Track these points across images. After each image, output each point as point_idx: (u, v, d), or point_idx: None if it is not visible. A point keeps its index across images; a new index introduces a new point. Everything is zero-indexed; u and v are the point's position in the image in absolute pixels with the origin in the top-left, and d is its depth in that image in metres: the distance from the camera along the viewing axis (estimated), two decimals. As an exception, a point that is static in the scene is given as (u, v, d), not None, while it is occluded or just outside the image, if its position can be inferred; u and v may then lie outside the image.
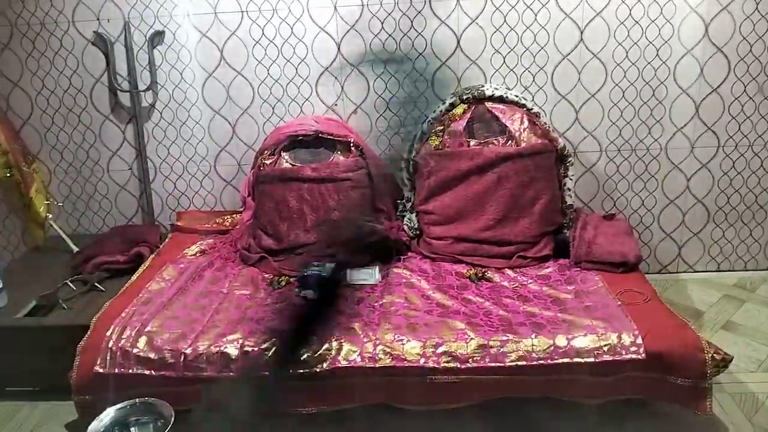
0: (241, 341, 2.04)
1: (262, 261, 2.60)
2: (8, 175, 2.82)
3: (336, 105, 2.88)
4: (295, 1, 2.72)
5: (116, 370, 2.01)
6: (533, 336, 1.99)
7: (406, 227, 2.71)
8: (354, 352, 1.99)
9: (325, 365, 1.97)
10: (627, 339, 1.94)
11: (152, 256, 2.67)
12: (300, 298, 2.29)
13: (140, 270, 2.54)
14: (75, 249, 2.79)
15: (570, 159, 2.64)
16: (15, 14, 2.79)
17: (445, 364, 1.95)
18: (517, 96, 2.64)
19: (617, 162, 2.90)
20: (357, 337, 2.04)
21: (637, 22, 2.67)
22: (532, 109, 2.63)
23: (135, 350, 2.03)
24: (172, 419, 1.84)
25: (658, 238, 3.02)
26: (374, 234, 2.52)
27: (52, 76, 2.89)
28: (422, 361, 1.96)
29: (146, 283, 2.41)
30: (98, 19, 2.79)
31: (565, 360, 1.93)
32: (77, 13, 2.78)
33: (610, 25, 2.68)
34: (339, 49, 2.78)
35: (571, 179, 2.66)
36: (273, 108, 2.90)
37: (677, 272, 3.07)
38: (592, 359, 1.93)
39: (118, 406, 1.93)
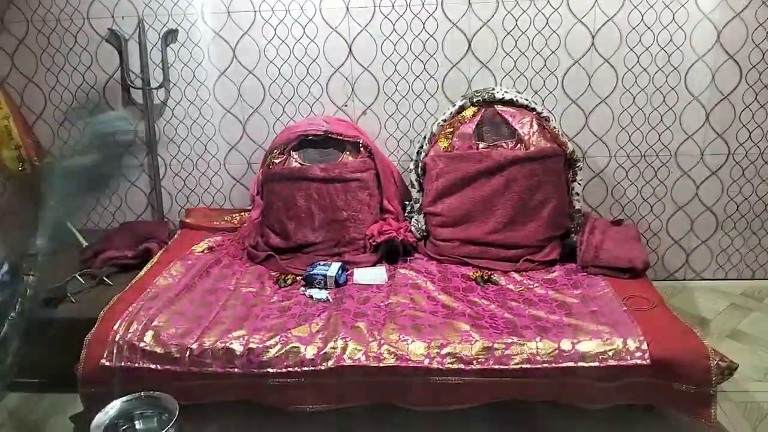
0: (246, 338, 2.05)
1: (269, 259, 2.62)
2: (20, 169, 2.85)
3: (346, 105, 2.89)
4: (308, 2, 2.74)
5: (122, 364, 2.03)
6: (538, 339, 1.98)
7: (413, 228, 2.71)
8: (359, 351, 1.99)
9: (329, 363, 1.98)
10: (632, 344, 1.94)
11: (160, 252, 2.69)
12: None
13: (148, 265, 2.56)
14: (84, 244, 2.81)
15: (579, 163, 2.64)
16: (31, 10, 2.82)
17: (450, 365, 1.95)
18: (527, 100, 2.65)
19: (626, 167, 2.89)
20: (362, 336, 2.04)
21: (648, 28, 2.67)
22: (541, 113, 2.63)
23: (141, 344, 2.04)
24: (177, 413, 1.85)
25: (666, 244, 3.01)
26: None
27: (66, 72, 2.92)
28: (426, 361, 1.96)
29: (154, 278, 2.42)
30: (113, 16, 2.82)
31: (570, 364, 1.93)
32: (92, 10, 2.81)
33: (622, 31, 2.68)
34: (350, 50, 2.79)
35: (579, 184, 2.66)
36: (283, 107, 2.91)
37: (684, 279, 3.06)
38: (596, 364, 1.92)
39: (124, 399, 1.94)
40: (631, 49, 2.71)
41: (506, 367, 1.94)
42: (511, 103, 2.64)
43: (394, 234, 2.60)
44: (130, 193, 3.11)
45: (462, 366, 1.95)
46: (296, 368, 1.99)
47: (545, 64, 2.76)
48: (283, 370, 1.99)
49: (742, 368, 2.02)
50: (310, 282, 2.41)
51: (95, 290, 2.46)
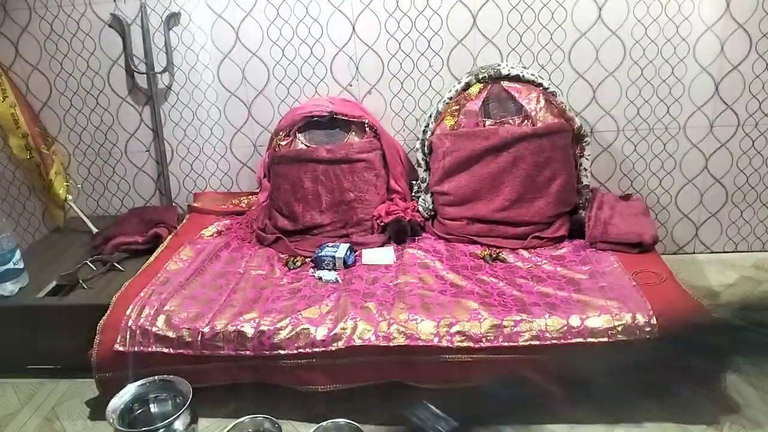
0: (257, 320, 2.07)
1: (277, 241, 2.63)
2: (29, 157, 2.86)
3: (351, 86, 2.87)
4: (310, -19, 2.71)
5: (135, 349, 2.05)
6: (547, 316, 1.99)
7: (421, 208, 2.71)
8: (369, 331, 2.01)
9: (340, 344, 1.99)
10: (641, 319, 1.94)
11: (170, 236, 2.70)
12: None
13: (158, 250, 2.58)
14: (94, 230, 2.83)
15: (587, 138, 2.62)
16: (33, -3, 2.81)
17: (459, 344, 1.97)
18: (533, 75, 2.62)
19: (635, 141, 2.87)
20: (372, 316, 2.05)
21: (656, -1, 2.63)
22: (548, 88, 2.61)
23: (154, 329, 2.07)
24: (190, 396, 1.88)
25: (675, 218, 2.99)
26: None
27: (70, 58, 2.91)
28: (436, 340, 1.97)
29: (164, 263, 2.44)
30: (114, 0, 2.80)
31: (579, 340, 1.94)
32: (94, -5, 2.80)
33: (629, 2, 2.64)
34: (354, 28, 2.77)
35: (587, 159, 2.64)
36: (288, 89, 2.90)
37: (694, 253, 3.04)
38: (606, 339, 1.93)
39: (138, 383, 1.97)
40: (639, 21, 2.66)
41: (515, 344, 1.95)
42: (517, 78, 2.62)
43: (402, 214, 2.60)
44: (137, 179, 3.12)
45: (471, 344, 1.96)
46: (307, 349, 2.01)
47: (551, 38, 2.73)
48: (294, 351, 2.01)
49: (752, 341, 2.03)
50: (318, 263, 2.42)
51: (106, 276, 2.48)
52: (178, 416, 1.82)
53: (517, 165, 2.55)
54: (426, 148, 2.73)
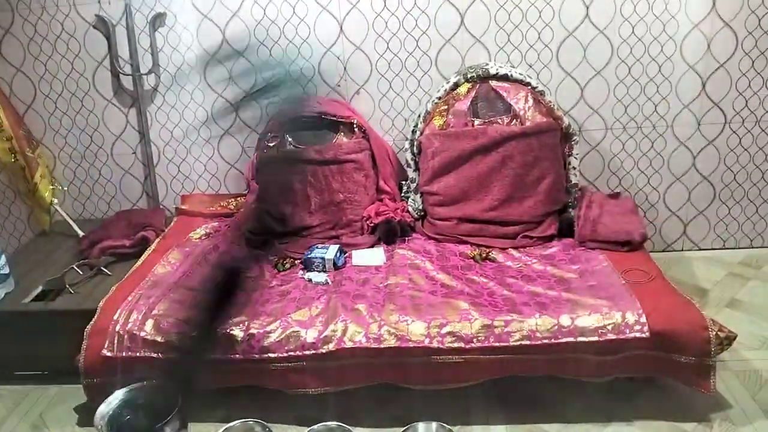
0: (246, 323, 2.05)
1: (266, 243, 2.61)
2: (13, 161, 2.83)
3: (339, 86, 2.86)
4: (296, -19, 2.70)
5: (124, 354, 2.03)
6: (537, 315, 1.99)
7: (410, 208, 2.70)
8: (359, 333, 2.00)
9: (330, 346, 1.98)
10: (631, 318, 1.94)
11: (157, 239, 2.68)
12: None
13: (146, 254, 2.55)
14: (81, 234, 2.80)
15: (575, 137, 2.63)
16: (16, -2, 2.78)
17: (450, 344, 1.96)
18: (521, 74, 2.62)
19: (623, 140, 2.87)
20: (362, 317, 2.04)
21: (643, -3, 2.64)
22: (536, 87, 2.61)
23: (142, 333, 2.05)
24: (180, 401, 1.86)
25: (663, 216, 3.00)
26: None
27: (54, 60, 2.88)
28: (427, 341, 1.97)
29: (152, 266, 2.42)
30: (99, 1, 2.77)
31: (569, 339, 1.94)
32: (78, -4, 2.77)
33: (617, 1, 2.64)
34: (341, 28, 2.75)
35: (576, 158, 2.64)
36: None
37: (682, 250, 3.05)
38: (596, 338, 1.93)
39: (127, 388, 1.95)
40: (626, 19, 2.67)
41: (506, 344, 1.95)
42: (505, 78, 2.62)
43: (391, 215, 2.59)
44: (124, 181, 3.09)
45: (462, 344, 1.96)
46: (297, 352, 2.00)
47: (539, 37, 2.73)
48: (285, 354, 2.00)
49: (741, 337, 2.04)
50: (308, 265, 2.40)
51: (94, 280, 2.46)
52: (168, 422, 1.80)
53: (506, 164, 2.55)
54: (415, 148, 2.72)
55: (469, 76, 2.63)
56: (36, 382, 2.37)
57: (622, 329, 1.93)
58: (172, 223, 2.86)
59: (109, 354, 2.03)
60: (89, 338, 2.08)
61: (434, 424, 1.91)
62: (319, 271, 2.38)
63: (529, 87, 2.61)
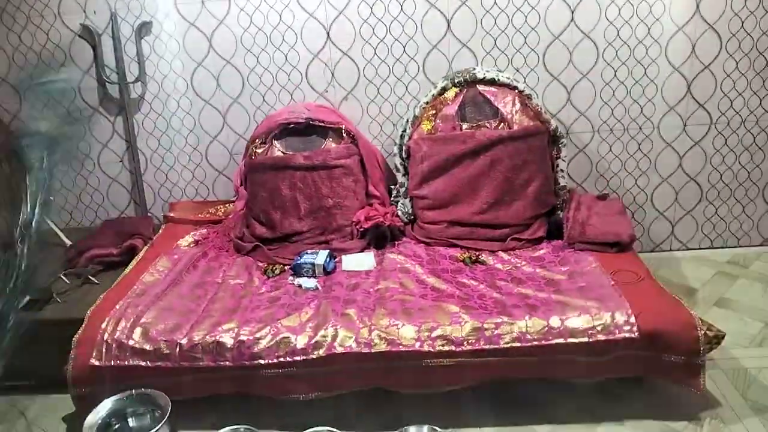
0: (236, 330, 2.04)
1: (256, 250, 2.60)
2: (-2, 170, 2.80)
3: (327, 92, 2.86)
4: (283, -12, 2.70)
5: (112, 363, 2.01)
6: (527, 317, 1.99)
7: (400, 212, 2.70)
8: (350, 338, 1.99)
9: (321, 352, 1.97)
10: (620, 318, 1.95)
11: (146, 247, 2.66)
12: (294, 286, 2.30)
13: (134, 262, 2.53)
14: (68, 242, 2.77)
15: (563, 140, 2.64)
16: (0, 8, 2.76)
17: (441, 348, 1.96)
18: (508, 78, 2.63)
19: (610, 142, 2.89)
20: (352, 322, 2.04)
21: (628, 0, 2.65)
22: (523, 90, 2.62)
23: (130, 342, 2.03)
24: (169, 409, 1.85)
25: (651, 216, 3.02)
26: None
27: (40, 69, 2.86)
28: (417, 345, 1.96)
29: (140, 275, 2.40)
30: (84, 10, 2.76)
31: (560, 341, 1.94)
32: (63, 6, 2.75)
33: (601, 4, 2.66)
34: (328, 35, 2.76)
35: (564, 160, 2.66)
36: (263, 96, 2.88)
37: (671, 250, 3.07)
38: (586, 339, 1.93)
39: (115, 397, 1.94)
40: (611, 23, 2.69)
41: (497, 346, 1.95)
42: (492, 82, 2.63)
43: (381, 219, 2.59)
44: (112, 189, 3.07)
45: (453, 348, 1.96)
46: (288, 358, 1.99)
47: (525, 41, 2.74)
48: (275, 360, 1.99)
49: (730, 335, 2.06)
50: (298, 271, 2.40)
51: (81, 289, 2.43)
52: (157, 430, 1.79)
53: (494, 168, 2.55)
54: (404, 153, 2.72)
55: (456, 80, 2.64)
56: (23, 393, 2.34)
57: (612, 330, 1.94)
58: (160, 231, 2.84)
59: (97, 363, 2.01)
60: (77, 347, 2.05)
61: (425, 428, 1.90)
62: (309, 277, 2.37)
63: (516, 91, 2.62)
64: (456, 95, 2.66)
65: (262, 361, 1.99)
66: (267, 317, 2.11)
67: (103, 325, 2.08)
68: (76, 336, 2.08)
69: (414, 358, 1.97)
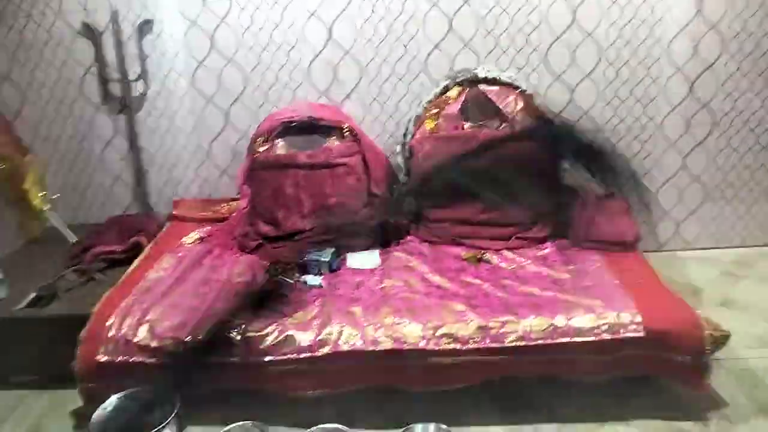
0: (243, 327, 2.03)
1: (260, 248, 2.60)
2: (1, 167, 2.80)
3: (329, 90, 2.86)
4: (285, -14, 2.70)
5: (119, 359, 2.01)
6: (532, 316, 1.99)
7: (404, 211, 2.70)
8: (355, 335, 1.99)
9: (326, 349, 1.98)
10: (626, 317, 1.95)
11: (150, 245, 2.66)
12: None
13: (139, 259, 2.53)
14: (73, 240, 2.78)
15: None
16: (1, 6, 2.75)
17: (446, 346, 1.96)
18: (510, 77, 2.64)
19: (613, 142, 2.88)
20: (358, 320, 2.04)
21: (630, 0, 2.66)
22: (525, 90, 2.63)
23: (136, 339, 2.03)
24: (177, 405, 1.85)
25: (656, 216, 3.02)
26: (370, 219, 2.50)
27: (42, 68, 2.85)
28: (423, 343, 1.96)
29: (145, 272, 2.40)
30: (85, 9, 2.75)
31: (565, 339, 1.95)
32: (64, 4, 2.74)
33: (603, 4, 2.67)
34: (330, 33, 2.76)
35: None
36: (266, 95, 2.87)
37: (675, 250, 3.07)
38: (591, 338, 1.94)
39: (122, 393, 1.94)
40: (613, 23, 2.69)
41: (502, 345, 1.96)
42: (494, 81, 2.64)
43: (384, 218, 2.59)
44: (115, 187, 3.06)
45: (458, 346, 1.96)
46: (293, 355, 1.99)
47: (527, 41, 2.74)
48: (281, 357, 1.99)
49: (735, 336, 2.05)
50: (304, 268, 2.40)
51: (86, 286, 2.44)
52: (165, 426, 1.79)
53: (497, 167, 2.55)
54: (407, 152, 2.73)
55: (458, 80, 2.65)
56: (31, 388, 2.34)
57: (617, 329, 1.94)
58: (164, 229, 2.84)
59: (103, 359, 2.01)
60: (83, 344, 2.05)
61: (432, 426, 1.90)
62: (314, 275, 2.37)
63: (519, 90, 2.62)
64: (458, 94, 2.67)
65: (268, 358, 1.99)
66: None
67: (109, 322, 2.08)
68: (83, 332, 2.07)
69: (419, 356, 1.97)
